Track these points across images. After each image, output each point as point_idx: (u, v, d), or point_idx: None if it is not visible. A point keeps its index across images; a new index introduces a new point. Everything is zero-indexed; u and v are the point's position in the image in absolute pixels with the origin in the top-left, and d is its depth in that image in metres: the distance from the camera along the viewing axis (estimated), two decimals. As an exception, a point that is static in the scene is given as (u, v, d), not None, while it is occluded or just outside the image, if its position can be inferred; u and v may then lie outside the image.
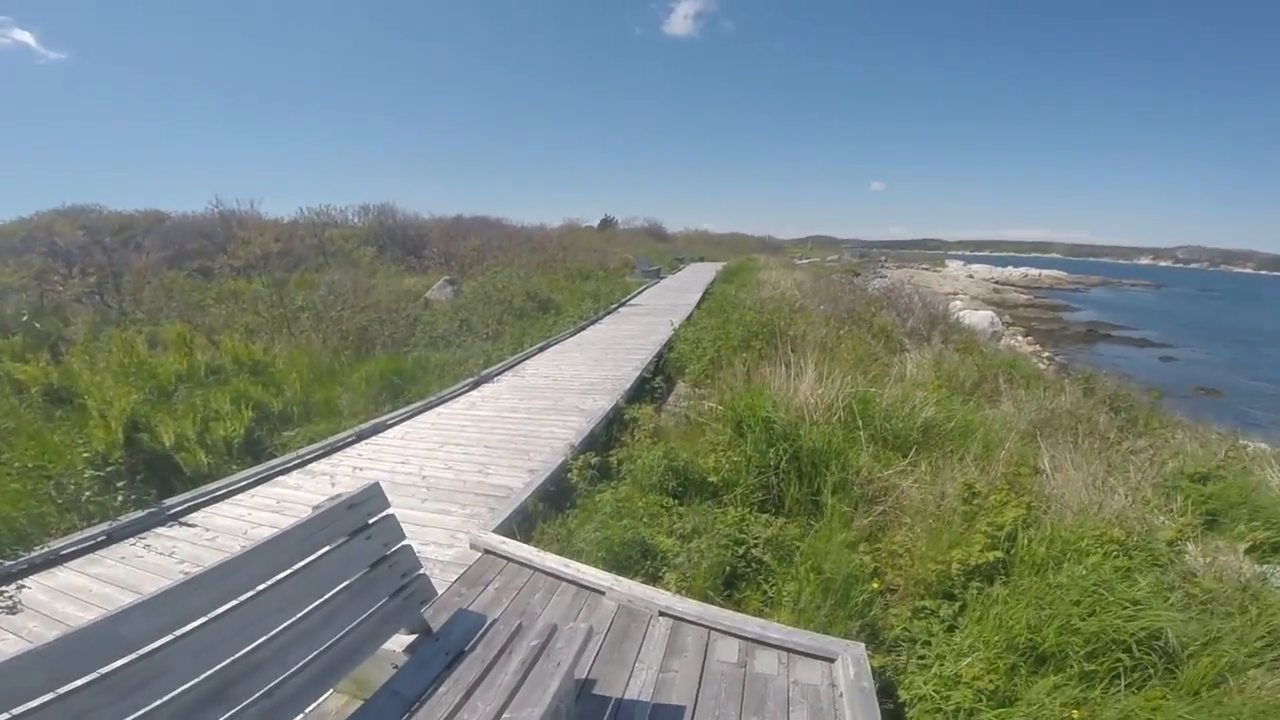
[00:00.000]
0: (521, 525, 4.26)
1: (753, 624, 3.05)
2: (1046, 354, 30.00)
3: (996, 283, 71.17)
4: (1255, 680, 2.70)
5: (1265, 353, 35.85)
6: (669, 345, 9.67)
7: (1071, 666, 2.81)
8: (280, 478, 5.27)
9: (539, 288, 15.13)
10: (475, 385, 8.06)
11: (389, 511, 2.43)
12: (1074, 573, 3.23)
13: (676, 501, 4.53)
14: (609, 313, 14.05)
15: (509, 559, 3.72)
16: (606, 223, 47.74)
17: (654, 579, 3.75)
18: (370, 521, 2.35)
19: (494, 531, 4.01)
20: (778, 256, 55.01)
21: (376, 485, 2.40)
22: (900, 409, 5.64)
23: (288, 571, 2.01)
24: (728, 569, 3.76)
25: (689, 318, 12.23)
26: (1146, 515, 4.10)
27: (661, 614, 3.17)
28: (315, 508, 2.26)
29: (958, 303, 43.40)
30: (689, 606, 3.19)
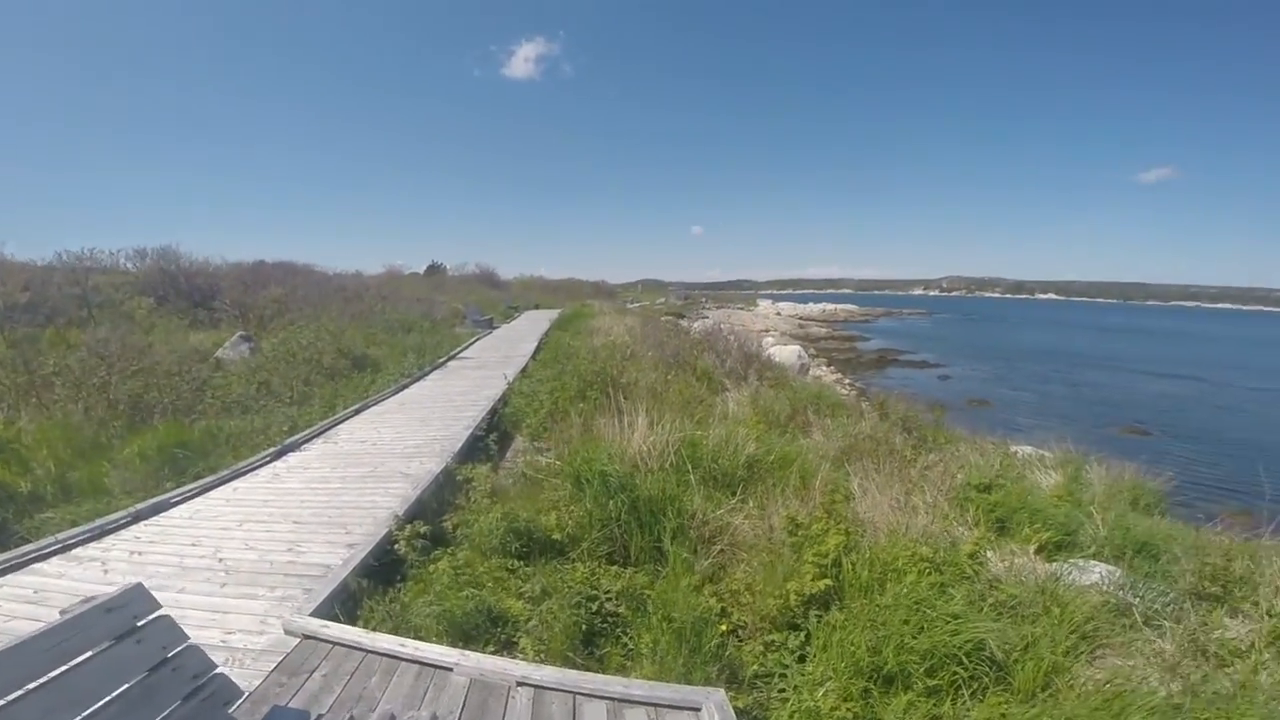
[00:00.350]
0: (345, 605, 3.77)
1: (616, 683, 2.89)
2: (847, 381, 33.36)
3: (801, 319, 78.61)
4: (1080, 676, 2.98)
5: (1018, 366, 42.71)
6: (504, 400, 9.29)
7: (916, 684, 2.95)
8: (37, 565, 4.41)
9: (353, 343, 13.97)
10: (279, 455, 7.16)
11: (162, 612, 2.10)
12: (897, 592, 3.42)
13: (522, 563, 4.27)
14: (436, 368, 13.25)
15: (335, 643, 3.25)
16: (434, 269, 45.66)
17: (508, 647, 3.47)
18: (139, 624, 2.00)
19: (312, 614, 3.50)
20: (611, 301, 56.20)
21: (139, 586, 2.07)
22: (725, 448, 5.81)
23: (40, 682, 1.70)
24: (584, 627, 3.58)
25: (524, 370, 11.87)
26: (947, 529, 4.50)
27: (520, 684, 2.90)
28: (63, 612, 1.90)
29: (769, 339, 47.05)
30: (548, 673, 2.96)
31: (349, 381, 11.43)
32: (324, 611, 3.59)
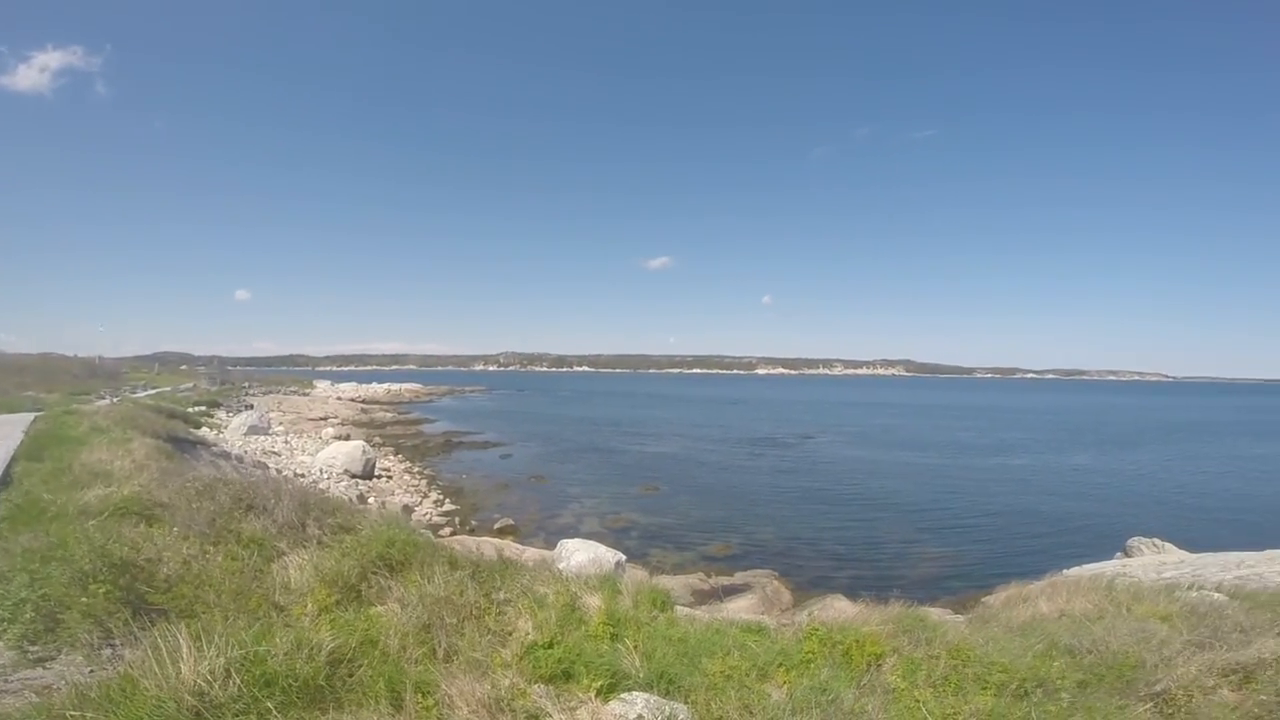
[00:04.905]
0: None
1: None
2: (417, 469, 33.10)
3: (365, 402, 74.93)
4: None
5: (565, 439, 48.69)
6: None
7: None
8: None
9: None
10: None
11: None
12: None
13: None
14: None
15: None
16: None
17: None
18: None
19: None
20: (112, 386, 44.19)
21: None
22: (298, 653, 5.36)
23: None
24: None
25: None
26: (527, 706, 5.02)
27: None
28: None
29: (329, 430, 43.74)
30: None
31: None
32: None
